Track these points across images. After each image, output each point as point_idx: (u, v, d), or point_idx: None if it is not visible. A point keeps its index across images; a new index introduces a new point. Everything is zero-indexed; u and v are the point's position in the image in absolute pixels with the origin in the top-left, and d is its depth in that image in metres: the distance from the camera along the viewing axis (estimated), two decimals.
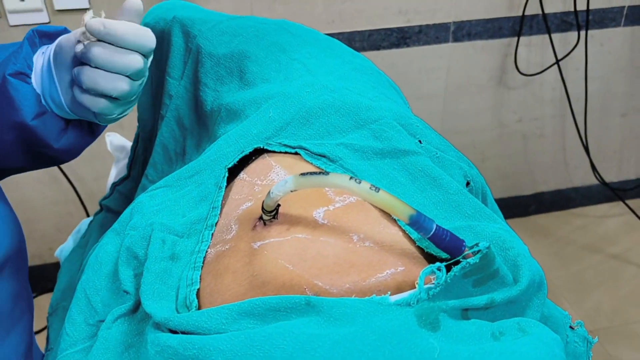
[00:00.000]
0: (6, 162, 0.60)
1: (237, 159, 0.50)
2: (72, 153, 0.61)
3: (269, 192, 0.41)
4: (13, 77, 0.54)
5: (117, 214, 0.84)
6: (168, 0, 0.76)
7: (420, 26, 1.69)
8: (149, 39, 0.52)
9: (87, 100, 0.52)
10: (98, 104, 0.52)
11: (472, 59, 1.79)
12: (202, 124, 0.64)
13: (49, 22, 1.49)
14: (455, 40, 1.74)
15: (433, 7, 1.67)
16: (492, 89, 1.87)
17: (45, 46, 0.57)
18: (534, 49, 1.81)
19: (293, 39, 0.62)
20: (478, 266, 0.37)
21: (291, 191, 0.40)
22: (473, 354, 0.33)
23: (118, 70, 0.51)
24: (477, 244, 0.38)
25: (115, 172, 0.95)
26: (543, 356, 0.34)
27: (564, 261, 1.94)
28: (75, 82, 0.53)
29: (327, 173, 0.39)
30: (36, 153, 0.59)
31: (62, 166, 1.65)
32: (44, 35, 0.58)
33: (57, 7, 1.48)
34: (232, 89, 0.60)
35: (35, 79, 0.55)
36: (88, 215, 1.76)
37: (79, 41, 0.51)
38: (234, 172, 0.51)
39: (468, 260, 0.36)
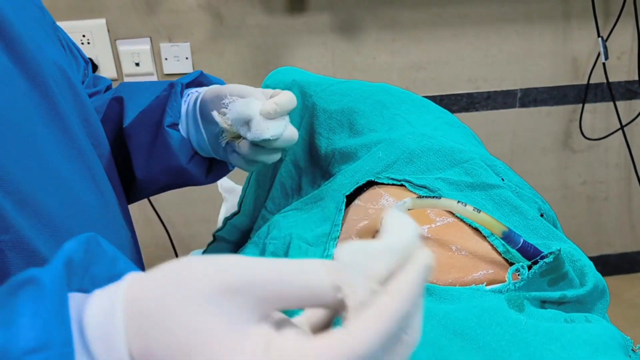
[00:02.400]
0: (149, 194, 0.75)
1: (353, 189, 0.64)
2: (212, 182, 0.75)
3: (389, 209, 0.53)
4: (169, 127, 0.67)
5: (229, 242, 0.98)
6: (283, 67, 0.93)
7: (488, 92, 1.82)
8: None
9: (240, 163, 0.66)
10: (249, 167, 0.66)
11: (537, 124, 1.90)
12: (315, 165, 0.78)
13: None
14: (522, 106, 1.86)
15: (501, 76, 1.80)
16: (557, 152, 1.96)
17: (186, 95, 0.70)
18: (598, 115, 1.90)
19: (393, 98, 0.76)
20: (552, 266, 0.48)
21: (408, 210, 0.52)
22: (551, 328, 0.44)
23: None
24: (551, 252, 0.49)
25: (224, 210, 1.10)
26: (606, 335, 0.45)
27: (630, 324, 1.95)
28: (232, 148, 0.65)
29: (439, 197, 0.51)
30: (181, 186, 0.73)
31: (158, 212, 1.83)
32: (186, 85, 0.70)
33: (166, 72, 1.70)
34: (343, 137, 0.74)
35: (181, 126, 0.68)
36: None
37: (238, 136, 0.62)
38: (349, 200, 0.65)
39: (544, 260, 0.48)
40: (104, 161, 0.66)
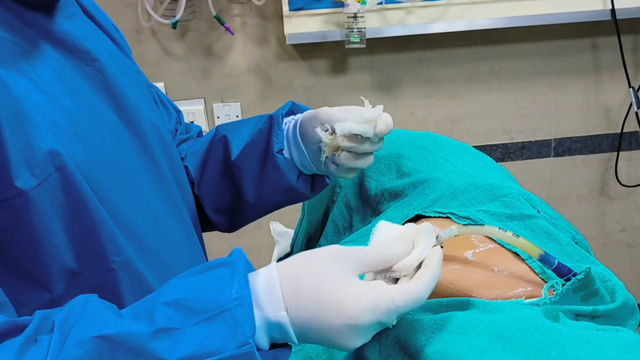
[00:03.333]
0: (258, 216, 0.84)
1: (403, 222, 0.71)
2: (316, 195, 0.84)
3: (437, 236, 0.61)
4: (278, 153, 0.77)
5: None
6: None
7: (523, 143, 1.89)
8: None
9: (340, 172, 0.74)
10: (348, 174, 0.75)
11: (573, 172, 1.95)
12: (366, 204, 0.86)
13: None
14: (557, 155, 1.92)
15: (534, 127, 1.88)
16: (594, 199, 2.00)
17: (283, 123, 0.79)
18: (634, 162, 1.95)
19: (435, 143, 0.85)
20: (583, 282, 0.54)
21: (455, 236, 0.60)
22: (584, 334, 0.50)
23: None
24: (582, 271, 0.56)
25: (277, 252, 1.18)
26: (635, 341, 0.51)
27: None
28: (331, 160, 0.73)
29: (482, 225, 0.58)
30: (289, 203, 0.83)
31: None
32: (283, 115, 0.80)
33: None
34: (391, 178, 0.83)
35: (284, 150, 0.78)
36: None
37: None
38: None
39: (576, 277, 0.54)
40: (186, 201, 0.76)
